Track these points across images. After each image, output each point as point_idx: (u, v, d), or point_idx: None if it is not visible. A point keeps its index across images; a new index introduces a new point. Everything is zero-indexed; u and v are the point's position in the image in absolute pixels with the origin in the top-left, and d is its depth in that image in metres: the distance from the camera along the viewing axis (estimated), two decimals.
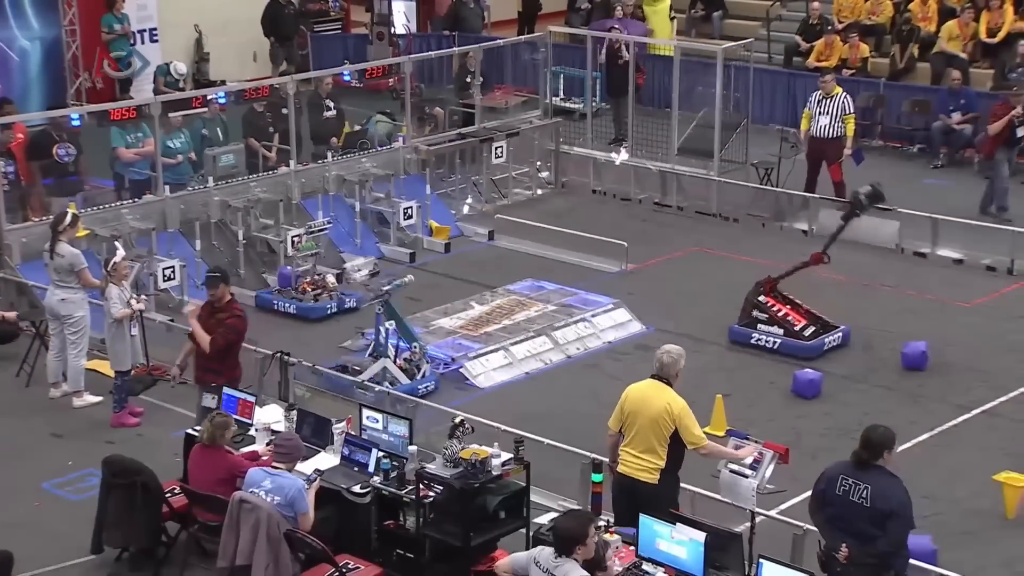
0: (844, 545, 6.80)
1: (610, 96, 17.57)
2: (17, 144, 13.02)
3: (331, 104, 14.92)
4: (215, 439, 7.79)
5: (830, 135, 14.61)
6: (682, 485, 7.65)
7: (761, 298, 11.43)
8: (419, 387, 10.21)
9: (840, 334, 11.41)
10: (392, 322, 10.37)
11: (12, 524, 8.62)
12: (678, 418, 7.36)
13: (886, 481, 6.79)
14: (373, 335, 10.58)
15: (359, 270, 10.95)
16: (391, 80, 17.89)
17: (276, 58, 19.81)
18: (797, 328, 11.27)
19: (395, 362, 10.29)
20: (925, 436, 9.91)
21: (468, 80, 16.15)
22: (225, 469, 7.74)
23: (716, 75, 15.03)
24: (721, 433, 9.38)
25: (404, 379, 10.18)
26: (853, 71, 18.18)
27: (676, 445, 7.44)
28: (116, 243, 11.33)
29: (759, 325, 11.36)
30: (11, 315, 11.03)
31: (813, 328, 11.33)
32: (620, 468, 7.54)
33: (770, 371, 11.02)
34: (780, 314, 11.29)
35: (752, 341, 11.34)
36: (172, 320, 11.34)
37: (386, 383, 10.02)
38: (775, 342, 11.26)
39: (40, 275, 11.34)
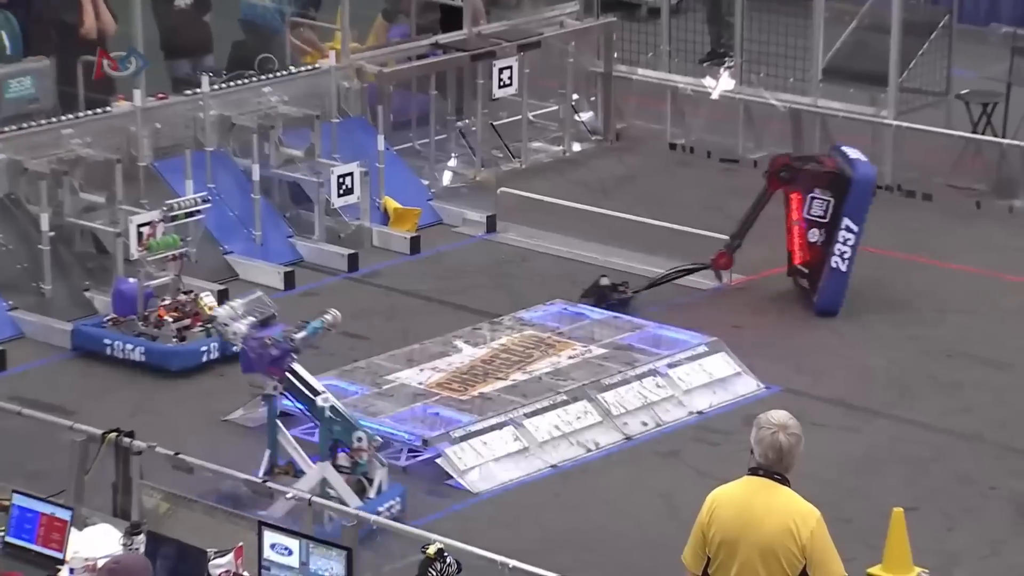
0: None
1: None
2: None
3: None
4: None
5: None
6: None
7: None
8: (377, 508, 10.15)
9: None
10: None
11: None
12: (810, 545, 7.36)
13: None
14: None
15: (238, 318, 10.74)
16: None
17: None
18: None
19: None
20: None
21: None
22: None
23: None
24: None
25: (352, 497, 10.07)
26: None
27: None
28: None
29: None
30: None
31: None
32: None
33: (990, 468, 11.01)
34: None
35: None
36: None
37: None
38: None
39: None
